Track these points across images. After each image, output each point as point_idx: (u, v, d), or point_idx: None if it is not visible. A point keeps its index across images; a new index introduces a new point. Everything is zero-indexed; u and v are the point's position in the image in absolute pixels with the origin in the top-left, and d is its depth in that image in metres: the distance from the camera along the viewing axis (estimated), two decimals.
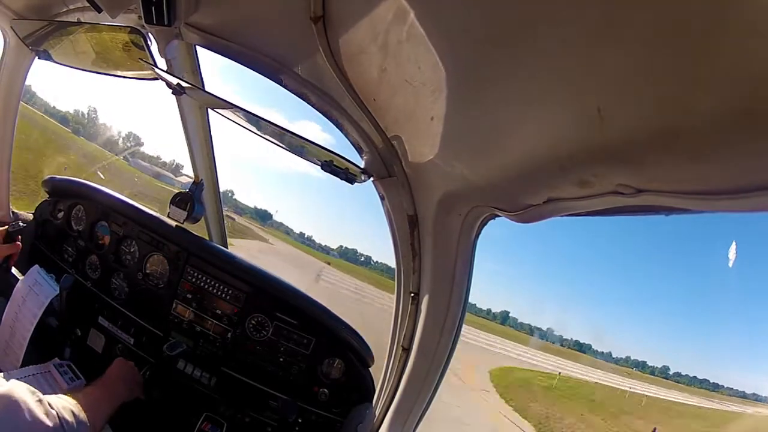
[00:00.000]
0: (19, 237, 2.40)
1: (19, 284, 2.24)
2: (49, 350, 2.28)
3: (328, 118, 1.32)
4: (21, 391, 1.24)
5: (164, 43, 1.51)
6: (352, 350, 2.17)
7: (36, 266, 2.25)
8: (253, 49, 1.31)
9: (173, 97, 1.85)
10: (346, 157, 1.25)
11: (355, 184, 1.39)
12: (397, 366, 1.55)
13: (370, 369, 2.22)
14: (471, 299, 1.39)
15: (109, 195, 2.45)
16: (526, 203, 0.92)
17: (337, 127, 1.33)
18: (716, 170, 0.53)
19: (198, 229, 2.47)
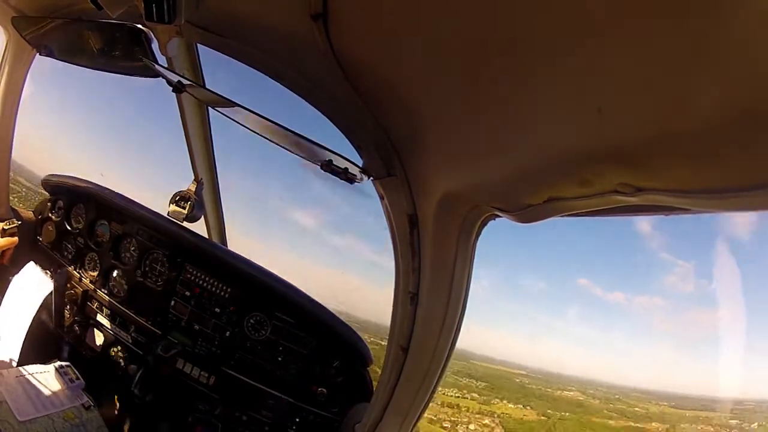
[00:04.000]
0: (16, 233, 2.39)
1: (14, 282, 2.24)
2: (48, 349, 2.28)
3: (327, 117, 1.32)
4: None
5: (165, 40, 1.51)
6: (350, 350, 2.16)
7: (31, 263, 2.25)
8: (254, 47, 1.31)
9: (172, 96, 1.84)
10: (346, 156, 1.25)
11: (355, 184, 1.38)
12: (395, 366, 1.54)
13: (368, 369, 2.22)
14: None
15: (110, 193, 2.44)
16: (526, 203, 0.92)
17: (336, 126, 1.33)
18: (716, 169, 0.53)
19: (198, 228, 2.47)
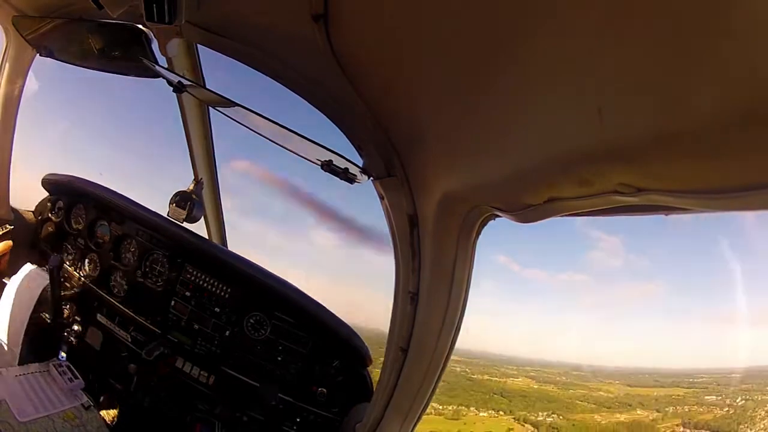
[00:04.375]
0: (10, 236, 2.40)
1: (11, 282, 2.24)
2: (47, 348, 2.28)
3: (328, 116, 1.32)
4: None
5: (165, 40, 1.51)
6: (350, 350, 2.16)
7: (27, 264, 2.25)
8: (254, 47, 1.31)
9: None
10: (346, 156, 1.25)
11: (355, 184, 1.38)
12: (395, 366, 1.54)
13: (368, 369, 2.22)
14: None
15: (110, 193, 2.44)
16: (526, 203, 0.92)
17: (337, 126, 1.33)
18: (716, 169, 0.53)
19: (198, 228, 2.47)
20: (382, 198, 1.42)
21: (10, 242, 2.37)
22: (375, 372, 2.07)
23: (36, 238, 2.64)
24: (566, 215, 0.88)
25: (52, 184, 2.66)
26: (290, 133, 1.28)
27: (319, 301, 2.21)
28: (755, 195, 0.49)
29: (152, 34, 1.49)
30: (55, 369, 2.15)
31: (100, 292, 2.34)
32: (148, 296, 2.26)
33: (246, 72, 1.36)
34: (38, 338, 2.27)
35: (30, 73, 2.21)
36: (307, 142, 1.27)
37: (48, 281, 2.19)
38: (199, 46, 1.90)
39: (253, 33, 1.28)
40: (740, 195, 0.51)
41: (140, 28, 1.47)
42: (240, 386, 2.14)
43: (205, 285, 2.19)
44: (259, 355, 2.15)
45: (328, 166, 1.31)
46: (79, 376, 2.15)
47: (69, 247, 2.50)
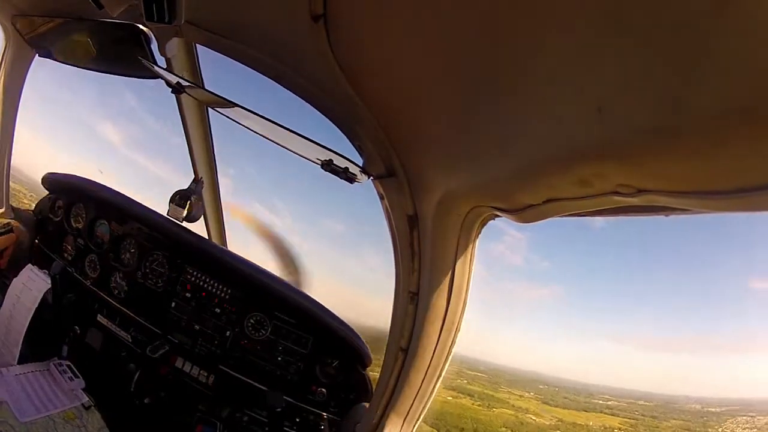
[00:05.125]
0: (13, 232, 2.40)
1: (13, 282, 2.25)
2: (47, 348, 2.28)
3: (327, 116, 1.32)
4: None
5: (164, 41, 1.51)
6: (350, 350, 2.16)
7: (29, 265, 2.25)
8: (254, 47, 1.31)
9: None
10: (346, 156, 1.25)
11: (355, 183, 1.38)
12: (395, 366, 1.55)
13: (368, 369, 2.22)
14: None
15: (109, 192, 2.44)
16: (525, 203, 0.92)
17: (337, 126, 1.33)
18: (716, 170, 0.53)
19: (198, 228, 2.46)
20: (382, 198, 1.42)
21: (13, 235, 2.37)
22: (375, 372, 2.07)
23: (36, 237, 2.64)
24: (566, 215, 0.88)
25: (51, 182, 2.65)
26: (290, 132, 1.28)
27: (321, 301, 2.22)
28: (755, 196, 0.49)
29: (152, 34, 1.49)
30: (55, 368, 2.15)
31: (101, 293, 2.34)
32: (149, 297, 2.26)
33: (245, 72, 1.36)
34: (39, 339, 2.27)
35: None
36: (307, 141, 1.27)
37: (50, 285, 2.20)
38: (198, 46, 1.89)
39: (252, 33, 1.28)
40: (740, 196, 0.51)
41: (140, 28, 1.47)
42: (240, 386, 2.14)
43: (206, 286, 2.19)
44: (259, 355, 2.15)
45: (328, 166, 1.31)
46: (79, 375, 2.15)
47: (69, 247, 2.49)
